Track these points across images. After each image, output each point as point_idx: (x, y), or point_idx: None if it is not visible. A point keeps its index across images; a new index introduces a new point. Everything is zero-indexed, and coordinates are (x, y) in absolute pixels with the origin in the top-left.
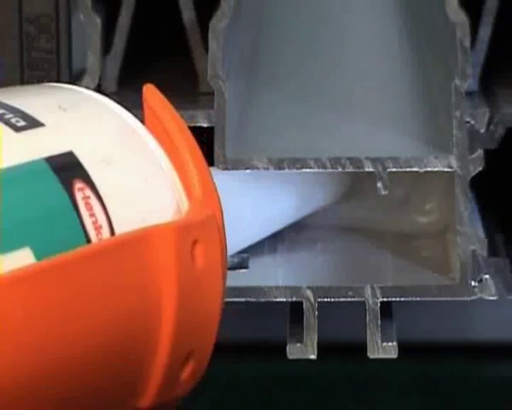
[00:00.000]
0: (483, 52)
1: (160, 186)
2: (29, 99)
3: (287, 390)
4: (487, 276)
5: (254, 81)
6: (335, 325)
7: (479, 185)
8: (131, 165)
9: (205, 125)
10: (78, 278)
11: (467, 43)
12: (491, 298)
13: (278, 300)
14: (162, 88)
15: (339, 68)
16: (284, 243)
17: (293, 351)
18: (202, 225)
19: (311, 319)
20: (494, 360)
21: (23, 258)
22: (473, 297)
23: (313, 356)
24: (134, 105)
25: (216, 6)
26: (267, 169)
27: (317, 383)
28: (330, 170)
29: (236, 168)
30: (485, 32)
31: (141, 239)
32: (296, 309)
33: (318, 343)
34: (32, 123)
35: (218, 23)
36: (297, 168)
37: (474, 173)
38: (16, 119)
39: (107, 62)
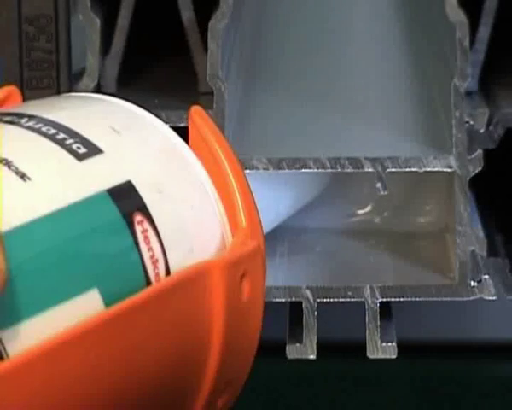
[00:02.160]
0: (482, 52)
1: (206, 213)
2: (82, 118)
3: (286, 390)
4: (486, 276)
5: (254, 81)
6: (335, 325)
7: (478, 185)
8: (181, 193)
9: None
10: (140, 320)
11: (466, 43)
12: (490, 298)
13: (278, 300)
14: (162, 88)
15: (338, 68)
16: (284, 244)
17: (293, 351)
18: (250, 258)
19: (310, 319)
20: (494, 359)
21: (91, 300)
22: (472, 297)
23: (312, 356)
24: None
25: (215, 6)
26: (267, 169)
27: (317, 383)
28: (330, 170)
29: None
30: (484, 32)
31: (195, 277)
32: (295, 309)
33: (318, 343)
34: (92, 150)
35: (218, 23)
36: (296, 168)
37: (473, 173)
38: (77, 145)
39: (106, 62)
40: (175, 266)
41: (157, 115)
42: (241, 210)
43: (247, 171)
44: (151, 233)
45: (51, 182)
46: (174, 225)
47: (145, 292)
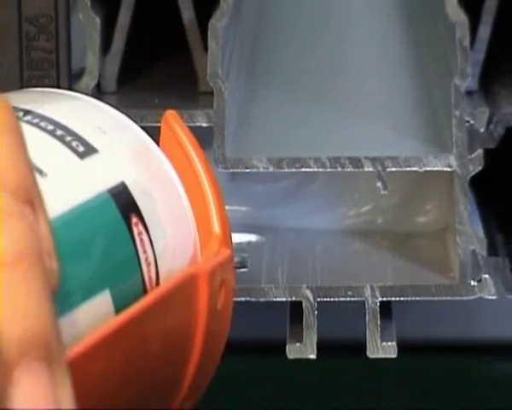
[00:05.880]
0: (482, 52)
1: (182, 218)
2: (70, 115)
3: (286, 390)
4: (487, 275)
5: (254, 81)
6: (335, 324)
7: (478, 185)
8: (161, 196)
9: (204, 124)
10: (142, 324)
11: (466, 42)
12: (490, 297)
13: (278, 299)
14: (162, 87)
15: (339, 68)
16: (284, 244)
17: (293, 351)
18: (226, 267)
19: (310, 318)
20: (494, 358)
21: (105, 301)
22: (472, 297)
23: (313, 356)
24: (133, 105)
25: (215, 6)
26: (267, 169)
27: (317, 383)
28: (330, 169)
29: (236, 168)
30: (484, 31)
31: (188, 283)
32: (296, 309)
33: (318, 343)
34: (89, 149)
35: (218, 23)
36: (296, 168)
37: (473, 173)
38: (75, 142)
39: (106, 62)
40: (163, 271)
41: (157, 114)
42: (215, 216)
43: (247, 170)
44: (145, 236)
45: (63, 180)
46: (160, 228)
47: (153, 295)
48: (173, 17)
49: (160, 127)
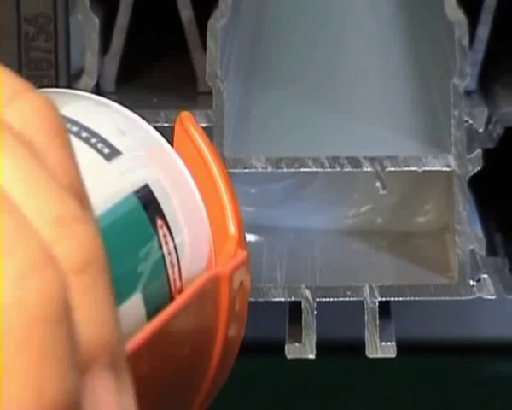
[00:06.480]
0: (481, 51)
1: (197, 219)
2: (91, 116)
3: (285, 390)
4: (486, 275)
5: (253, 81)
6: (334, 324)
7: (477, 185)
8: (178, 196)
9: (203, 124)
10: (176, 325)
11: (465, 42)
12: (489, 297)
13: (277, 299)
14: (161, 87)
15: (338, 68)
16: (283, 244)
17: (292, 351)
18: (244, 268)
19: (309, 318)
20: (493, 358)
21: (137, 304)
22: (471, 296)
23: (312, 356)
24: (132, 105)
25: (214, 5)
26: (265, 169)
27: (316, 383)
28: (329, 169)
29: (235, 168)
30: (483, 31)
31: (211, 285)
32: (295, 309)
33: (317, 343)
34: (113, 150)
35: (217, 22)
36: (295, 168)
37: (472, 173)
38: (100, 144)
39: (105, 62)
40: (184, 272)
41: (156, 114)
42: (231, 218)
43: (246, 170)
44: (168, 238)
45: (94, 183)
46: (180, 229)
47: (186, 295)
48: (172, 17)
49: (159, 127)
